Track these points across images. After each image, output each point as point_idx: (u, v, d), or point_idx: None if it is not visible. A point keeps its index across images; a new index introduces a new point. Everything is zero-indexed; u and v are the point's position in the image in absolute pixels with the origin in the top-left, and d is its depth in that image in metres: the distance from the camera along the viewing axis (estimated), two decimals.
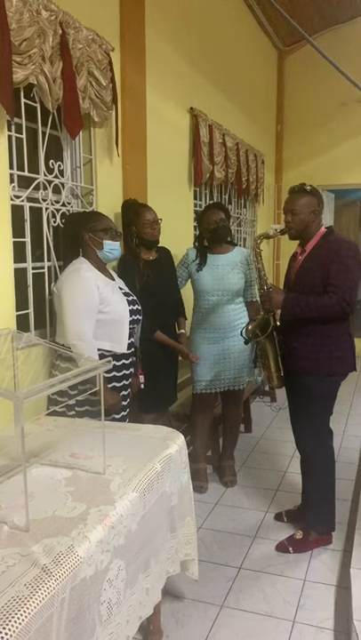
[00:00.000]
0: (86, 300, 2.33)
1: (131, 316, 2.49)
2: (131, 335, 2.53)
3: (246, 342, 2.78)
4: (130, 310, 2.50)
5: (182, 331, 3.27)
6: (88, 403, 2.38)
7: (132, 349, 2.59)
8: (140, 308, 2.62)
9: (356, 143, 6.77)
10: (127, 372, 2.56)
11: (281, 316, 2.64)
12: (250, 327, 2.71)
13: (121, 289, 2.56)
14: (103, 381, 1.80)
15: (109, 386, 2.44)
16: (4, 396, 1.36)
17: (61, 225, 2.72)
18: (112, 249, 2.46)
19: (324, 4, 5.98)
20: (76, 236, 2.46)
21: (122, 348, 2.45)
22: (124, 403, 2.56)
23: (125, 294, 2.55)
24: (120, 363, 2.48)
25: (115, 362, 2.39)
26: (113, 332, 2.43)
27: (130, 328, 2.50)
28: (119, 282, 2.63)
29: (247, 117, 5.78)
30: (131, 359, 2.58)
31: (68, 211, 2.84)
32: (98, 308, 2.36)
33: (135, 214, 2.99)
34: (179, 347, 3.15)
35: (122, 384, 2.52)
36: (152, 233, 3.00)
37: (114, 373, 2.46)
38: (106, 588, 1.45)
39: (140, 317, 2.63)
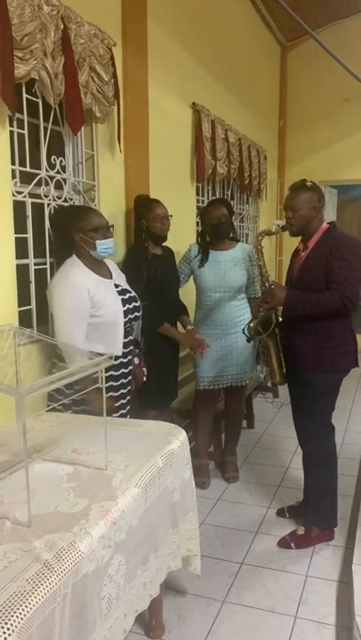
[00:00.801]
0: (76, 306, 2.27)
1: (127, 315, 2.44)
2: (129, 333, 2.51)
3: (249, 340, 2.77)
4: (126, 310, 2.44)
5: (190, 327, 3.27)
6: (85, 402, 2.34)
7: (130, 347, 2.55)
8: (137, 305, 2.56)
9: (360, 139, 6.75)
10: (125, 371, 2.52)
11: (283, 313, 2.64)
12: (252, 325, 2.71)
13: (118, 286, 2.49)
14: (103, 379, 1.80)
15: (106, 385, 2.40)
16: (6, 392, 1.36)
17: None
18: (105, 248, 2.38)
19: None
20: (66, 235, 2.38)
21: (117, 350, 2.40)
22: (124, 401, 2.53)
23: (122, 292, 2.48)
24: (117, 362, 2.43)
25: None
26: (107, 335, 2.37)
27: (128, 326, 2.46)
28: (118, 277, 2.56)
29: (250, 113, 5.76)
30: (128, 358, 2.54)
31: None
32: (89, 312, 2.30)
33: (146, 208, 3.01)
34: (185, 339, 3.13)
35: (119, 383, 2.49)
36: (161, 228, 3.01)
37: (111, 372, 2.41)
38: (106, 583, 1.45)
39: (139, 314, 2.59)
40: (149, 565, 1.76)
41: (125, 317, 2.43)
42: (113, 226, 2.48)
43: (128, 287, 2.58)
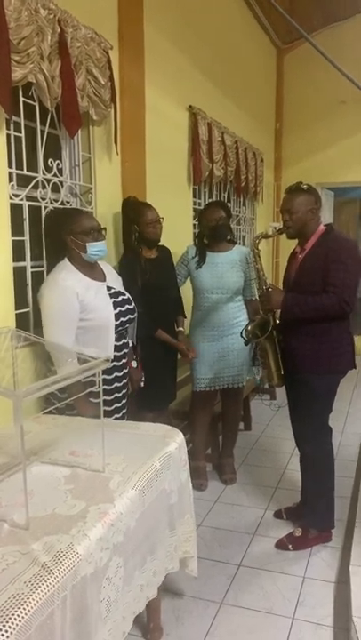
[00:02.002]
0: (65, 310, 2.26)
1: (119, 318, 2.42)
2: (123, 336, 2.50)
3: (246, 343, 2.78)
4: (119, 312, 2.42)
5: (180, 329, 3.28)
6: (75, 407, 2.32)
7: (124, 351, 2.54)
8: (131, 307, 2.54)
9: (356, 141, 6.77)
10: (119, 374, 2.50)
11: (281, 316, 2.65)
12: (249, 328, 2.71)
13: (111, 289, 2.46)
14: (101, 381, 1.80)
15: (98, 390, 2.36)
16: (3, 395, 1.36)
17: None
18: (97, 250, 2.37)
19: (324, 0, 5.96)
20: (58, 238, 2.39)
21: (108, 354, 2.37)
22: (118, 404, 2.52)
23: (115, 294, 2.46)
24: (111, 366, 2.41)
25: None
26: (98, 339, 2.35)
27: (122, 328, 2.46)
28: (112, 279, 2.54)
29: (246, 115, 5.78)
30: (122, 361, 2.53)
31: None
32: (78, 316, 2.29)
33: (137, 213, 2.99)
34: (178, 345, 3.15)
35: (113, 386, 2.48)
36: (154, 232, 3.00)
37: (103, 377, 2.36)
38: (105, 585, 1.45)
39: (134, 317, 2.57)
40: (147, 567, 1.76)
41: (118, 320, 2.41)
42: (105, 229, 2.47)
43: (122, 289, 2.56)
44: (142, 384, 2.79)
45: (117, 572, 1.51)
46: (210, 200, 4.81)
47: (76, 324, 2.30)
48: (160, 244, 3.13)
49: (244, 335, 2.72)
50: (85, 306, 2.30)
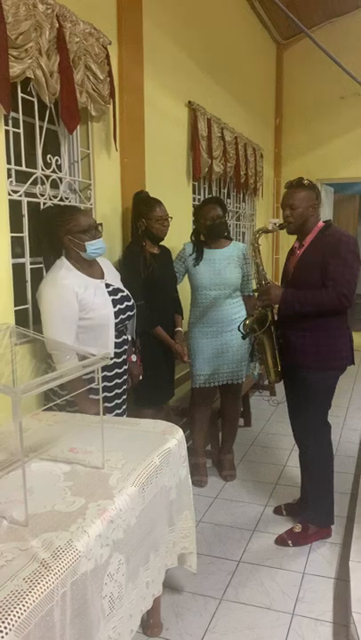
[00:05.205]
0: (64, 310, 2.24)
1: (119, 315, 2.41)
2: (122, 333, 2.50)
3: (244, 337, 2.77)
4: (118, 310, 2.40)
5: (179, 328, 3.27)
6: (75, 404, 2.33)
7: (124, 347, 2.54)
8: (130, 304, 2.53)
9: (356, 136, 6.76)
10: (120, 371, 2.51)
11: (279, 311, 2.64)
12: (247, 322, 2.71)
13: (109, 286, 2.44)
14: (100, 378, 1.80)
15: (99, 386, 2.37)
16: (2, 392, 1.36)
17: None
18: (96, 248, 2.34)
19: None
20: (54, 237, 2.34)
21: (108, 352, 2.37)
22: (118, 400, 2.52)
23: (114, 292, 2.44)
24: (111, 362, 2.41)
25: None
26: (98, 337, 2.35)
27: (122, 326, 2.45)
28: (111, 276, 2.52)
29: (246, 111, 5.76)
30: (122, 358, 2.52)
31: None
32: (78, 315, 2.28)
33: (147, 208, 2.98)
34: (174, 346, 3.14)
35: (113, 383, 2.48)
36: (161, 229, 3.01)
37: (104, 373, 2.40)
38: (107, 582, 1.45)
39: (132, 313, 2.55)
40: (150, 564, 1.76)
41: (117, 318, 2.41)
42: (102, 224, 2.42)
43: (121, 286, 2.54)
44: (141, 377, 2.79)
45: (119, 568, 1.51)
46: (210, 196, 4.80)
47: (76, 324, 2.29)
48: (161, 243, 3.13)
49: (241, 329, 2.72)
50: (85, 305, 2.29)
